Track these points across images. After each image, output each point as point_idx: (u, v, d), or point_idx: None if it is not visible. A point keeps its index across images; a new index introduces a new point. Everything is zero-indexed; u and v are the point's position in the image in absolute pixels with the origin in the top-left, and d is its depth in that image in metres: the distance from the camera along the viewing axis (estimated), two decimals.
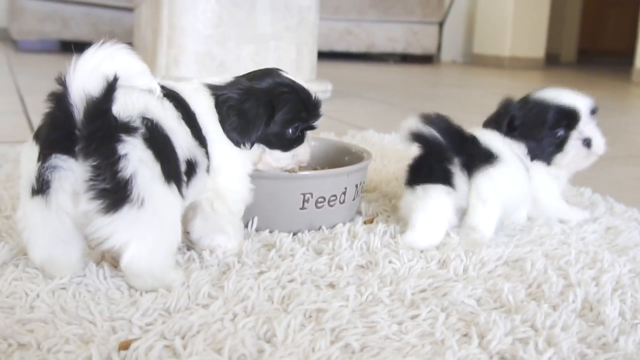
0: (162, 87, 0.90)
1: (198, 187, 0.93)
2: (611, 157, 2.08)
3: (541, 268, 1.00)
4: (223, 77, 1.06)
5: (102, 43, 0.77)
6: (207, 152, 0.95)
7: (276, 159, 1.07)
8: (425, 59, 6.10)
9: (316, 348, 0.74)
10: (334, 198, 1.14)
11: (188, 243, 1.03)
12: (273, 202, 1.10)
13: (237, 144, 0.99)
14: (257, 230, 1.11)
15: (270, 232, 1.11)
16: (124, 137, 0.76)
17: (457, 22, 6.48)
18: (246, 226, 1.10)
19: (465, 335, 0.79)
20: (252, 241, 1.06)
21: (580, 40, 7.35)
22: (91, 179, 0.75)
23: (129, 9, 3.64)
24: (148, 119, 0.81)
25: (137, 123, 0.79)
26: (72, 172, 0.76)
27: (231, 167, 0.99)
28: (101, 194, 0.76)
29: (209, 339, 0.73)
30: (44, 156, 0.76)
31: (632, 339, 0.80)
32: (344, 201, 1.16)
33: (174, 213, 0.84)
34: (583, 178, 1.62)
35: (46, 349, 0.69)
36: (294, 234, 1.11)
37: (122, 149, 0.76)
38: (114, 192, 0.76)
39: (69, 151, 0.76)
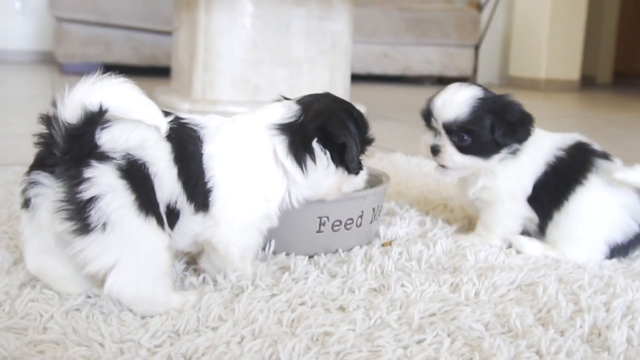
0: (180, 123, 0.91)
1: (188, 229, 0.93)
2: None
3: (553, 292, 0.98)
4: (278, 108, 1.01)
5: (98, 76, 0.81)
6: (207, 197, 0.92)
7: (352, 183, 1.06)
8: (461, 81, 6.04)
9: None
10: (351, 221, 1.14)
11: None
12: (290, 226, 1.10)
13: (353, 169, 1.01)
14: (274, 253, 1.12)
15: (287, 254, 1.11)
16: (94, 162, 0.79)
17: (493, 45, 6.43)
18: (263, 249, 1.11)
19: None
20: (268, 264, 1.06)
21: (615, 62, 7.19)
22: (60, 200, 0.79)
23: (169, 33, 3.73)
24: (132, 156, 0.82)
25: (116, 155, 0.81)
26: (51, 190, 0.79)
27: (233, 215, 0.94)
28: (69, 216, 0.78)
29: None
30: (28, 171, 0.81)
31: None
32: (360, 224, 1.15)
33: (153, 244, 0.84)
34: None
35: None
36: (311, 257, 1.11)
37: (87, 172, 0.78)
38: (75, 214, 0.78)
39: (50, 169, 0.79)
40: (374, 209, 1.18)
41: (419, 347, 0.80)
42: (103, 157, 0.80)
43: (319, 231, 1.11)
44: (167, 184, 0.86)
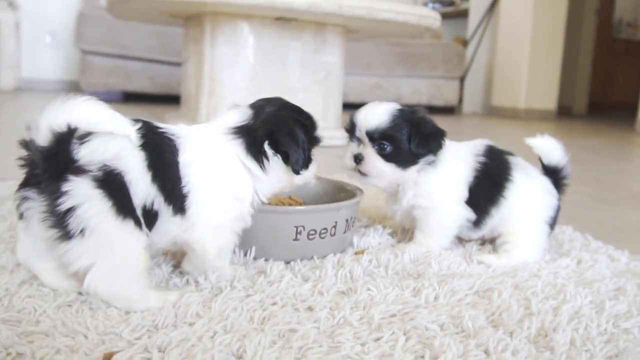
0: (157, 132, 0.92)
1: (168, 230, 0.93)
2: (602, 199, 2.02)
3: (506, 297, 0.97)
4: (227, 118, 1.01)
5: (67, 98, 0.82)
6: (184, 201, 0.92)
7: (304, 177, 1.06)
8: (448, 110, 6.07)
9: None
10: (325, 231, 1.14)
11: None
12: (269, 234, 1.11)
13: (297, 172, 1.01)
14: (255, 258, 1.12)
15: (266, 260, 1.11)
16: (71, 177, 0.81)
17: (477, 77, 6.46)
18: (245, 255, 1.11)
19: (421, 357, 0.77)
20: (247, 268, 1.06)
21: (591, 93, 7.21)
22: (44, 212, 0.81)
23: (181, 64, 3.77)
24: (108, 166, 0.83)
25: (92, 167, 0.82)
26: (38, 204, 0.82)
27: (211, 217, 0.94)
28: (52, 225, 0.81)
29: (184, 353, 0.73)
30: (18, 189, 0.84)
31: None
32: (334, 234, 1.16)
33: (129, 245, 0.85)
34: (570, 217, 1.58)
35: (39, 358, 0.71)
36: (287, 263, 1.11)
37: (65, 187, 0.80)
38: (57, 223, 0.81)
39: (36, 186, 0.82)
40: (347, 220, 1.18)
41: (376, 344, 0.80)
42: (79, 171, 0.82)
43: (295, 239, 1.11)
44: (141, 188, 0.87)
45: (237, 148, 0.98)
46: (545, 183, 1.25)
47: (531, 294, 1.00)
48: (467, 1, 6.52)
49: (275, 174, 1.02)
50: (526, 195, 1.22)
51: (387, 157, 1.19)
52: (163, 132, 0.93)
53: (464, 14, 6.64)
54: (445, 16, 6.98)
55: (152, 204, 0.89)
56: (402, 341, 0.80)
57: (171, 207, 0.91)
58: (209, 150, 0.96)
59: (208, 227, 0.94)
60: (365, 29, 3.14)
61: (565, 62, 6.18)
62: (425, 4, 6.84)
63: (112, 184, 0.83)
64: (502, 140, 1.40)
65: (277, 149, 1.00)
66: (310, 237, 1.12)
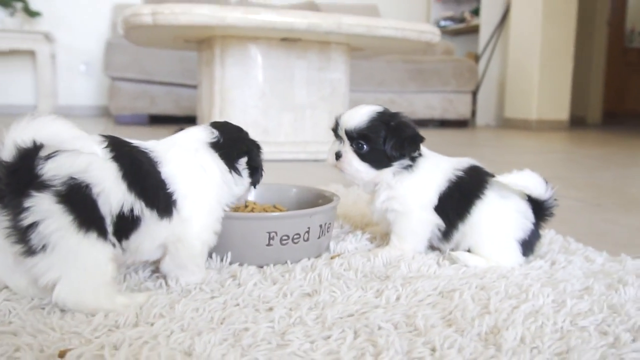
0: (132, 147, 0.95)
1: (155, 233, 0.95)
2: (596, 204, 1.97)
3: (467, 297, 0.95)
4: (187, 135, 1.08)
5: (34, 116, 0.82)
6: (172, 205, 0.96)
7: (250, 190, 1.19)
8: (461, 124, 6.02)
9: None
10: (298, 236, 1.14)
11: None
12: (243, 240, 1.11)
13: (255, 184, 1.15)
14: (230, 263, 1.12)
15: (240, 265, 1.12)
16: (33, 192, 0.81)
17: (490, 90, 6.40)
18: (222, 260, 1.12)
19: (363, 354, 0.76)
20: (221, 272, 1.07)
21: (605, 102, 7.05)
22: (7, 227, 0.81)
23: None
24: (74, 179, 0.83)
25: (56, 182, 0.82)
26: (2, 218, 0.82)
27: (199, 217, 1.00)
28: (16, 240, 0.81)
29: (135, 350, 0.74)
30: None
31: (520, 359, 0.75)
32: (308, 239, 1.15)
33: (93, 257, 0.85)
34: (559, 222, 1.55)
35: None
36: (261, 267, 1.11)
37: (26, 202, 0.80)
38: (20, 239, 0.81)
39: (1, 200, 0.81)
40: (321, 226, 1.18)
41: (324, 342, 0.79)
42: (41, 186, 0.82)
43: (268, 244, 1.12)
44: (115, 197, 0.88)
45: (216, 160, 1.06)
46: (521, 205, 1.19)
47: (494, 294, 0.97)
48: (478, 17, 6.49)
49: (240, 185, 1.11)
50: (494, 214, 1.18)
51: (363, 156, 1.20)
52: (136, 147, 0.97)
53: (475, 30, 6.60)
54: (456, 33, 6.97)
55: (131, 211, 0.90)
56: (350, 339, 0.79)
57: (155, 211, 0.93)
58: (193, 160, 1.02)
59: (198, 225, 0.99)
60: (367, 46, 3.15)
61: (578, 72, 6.07)
62: (437, 22, 6.83)
63: (75, 198, 0.83)
64: (515, 152, 1.38)
65: (249, 165, 1.12)
66: (284, 242, 1.13)
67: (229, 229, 1.09)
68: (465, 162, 1.25)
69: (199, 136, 1.07)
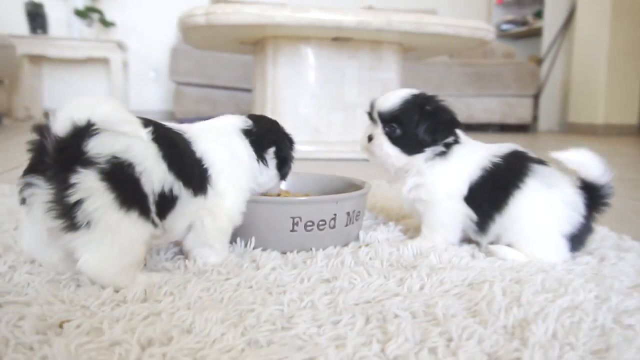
0: (167, 128, 0.93)
1: (187, 211, 0.92)
2: None
3: (497, 290, 0.86)
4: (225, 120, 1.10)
5: (90, 96, 0.81)
6: (207, 181, 0.95)
7: (279, 183, 1.19)
8: (522, 128, 5.75)
9: (224, 339, 0.68)
10: (323, 223, 1.08)
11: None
12: (267, 225, 1.06)
13: (284, 177, 1.15)
14: (254, 248, 1.08)
15: (264, 250, 1.07)
16: (79, 169, 0.78)
17: (553, 94, 6.08)
18: (245, 245, 1.08)
19: (371, 341, 0.69)
20: (242, 257, 1.02)
21: None
22: (50, 201, 0.78)
23: None
24: (117, 158, 0.81)
25: (100, 159, 0.79)
26: (43, 191, 0.78)
27: (231, 193, 0.98)
28: (59, 215, 0.78)
29: (134, 324, 0.70)
30: (23, 174, 0.80)
31: (548, 355, 0.65)
32: (334, 226, 1.09)
33: (131, 236, 0.82)
34: (615, 221, 1.40)
35: (4, 322, 0.70)
36: (284, 253, 1.06)
37: (73, 178, 0.77)
38: (64, 214, 0.78)
39: (42, 173, 0.78)
40: (348, 213, 1.11)
41: (332, 327, 0.73)
42: (87, 163, 0.79)
43: (292, 230, 1.06)
44: (157, 176, 0.85)
45: (246, 146, 1.06)
46: (569, 195, 1.06)
47: (528, 287, 0.87)
48: (541, 20, 6.19)
49: (265, 175, 1.10)
50: (536, 206, 1.05)
51: (395, 140, 1.13)
52: (171, 128, 0.95)
53: (537, 33, 6.30)
54: (518, 36, 6.68)
55: (172, 190, 0.88)
56: (360, 325, 0.72)
57: (191, 189, 0.92)
58: (226, 142, 1.03)
59: (229, 200, 0.98)
60: (419, 45, 3.05)
61: None
62: (499, 25, 6.57)
63: (118, 176, 0.81)
64: None
65: (278, 155, 1.11)
66: (308, 228, 1.07)
67: (253, 214, 1.04)
68: (505, 147, 1.13)
69: (233, 122, 1.09)
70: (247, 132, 1.07)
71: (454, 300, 0.82)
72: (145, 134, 0.86)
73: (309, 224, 1.06)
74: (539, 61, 6.13)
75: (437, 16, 2.55)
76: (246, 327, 0.71)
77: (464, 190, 1.10)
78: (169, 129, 0.94)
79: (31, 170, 0.80)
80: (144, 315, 0.73)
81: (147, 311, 0.75)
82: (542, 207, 1.06)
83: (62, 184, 0.77)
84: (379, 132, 1.14)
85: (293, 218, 1.06)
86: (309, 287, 0.87)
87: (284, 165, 1.13)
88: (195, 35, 2.88)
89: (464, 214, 1.11)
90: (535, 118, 5.85)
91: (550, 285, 0.89)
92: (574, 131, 5.77)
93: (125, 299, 0.80)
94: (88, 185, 0.78)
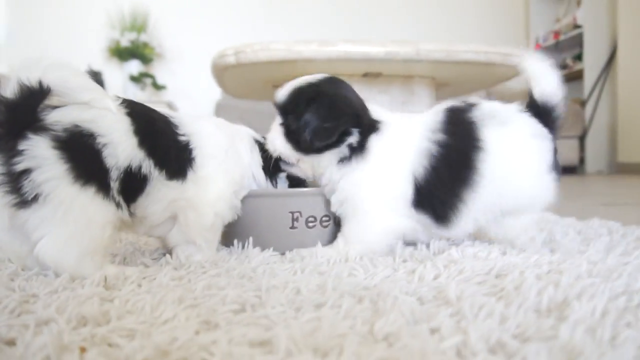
0: (149, 108, 0.83)
1: (162, 197, 0.80)
2: None
3: (531, 276, 0.67)
4: None
5: (41, 58, 0.70)
6: (186, 165, 0.82)
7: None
8: (569, 170, 5.41)
9: (176, 320, 0.53)
10: (327, 219, 0.92)
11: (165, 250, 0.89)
12: (264, 222, 0.92)
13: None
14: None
15: (262, 249, 0.91)
16: (30, 135, 0.67)
17: (599, 135, 5.73)
18: (243, 247, 0.93)
19: (354, 318, 0.52)
20: (237, 256, 0.87)
21: None
22: (0, 173, 0.67)
23: None
24: (78, 127, 0.70)
25: (57, 127, 0.69)
26: None
27: (218, 183, 0.85)
28: (8, 189, 0.67)
29: (69, 305, 0.57)
30: None
31: (597, 334, 0.46)
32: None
33: (87, 216, 0.70)
34: None
35: None
36: (283, 254, 0.90)
37: (21, 145, 0.67)
38: (12, 186, 0.66)
39: None
40: None
41: (313, 309, 0.56)
42: (40, 129, 0.69)
43: (292, 227, 0.91)
44: (124, 151, 0.74)
45: (255, 154, 0.96)
46: (530, 125, 0.85)
47: (569, 273, 0.68)
48: (581, 62, 5.97)
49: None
50: (510, 155, 0.83)
51: (287, 135, 0.87)
52: (154, 109, 0.85)
53: (578, 76, 6.06)
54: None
55: (140, 168, 0.76)
56: (347, 307, 0.56)
57: (164, 171, 0.79)
58: (231, 135, 0.93)
59: (214, 191, 0.85)
60: (451, 78, 2.92)
61: None
62: None
63: (75, 146, 0.70)
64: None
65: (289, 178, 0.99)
66: (310, 224, 0.92)
67: (248, 210, 0.91)
68: (439, 114, 0.86)
69: (252, 132, 1.01)
70: (261, 146, 0.96)
71: (473, 286, 0.64)
72: (113, 105, 0.75)
73: (310, 219, 0.91)
74: (582, 103, 5.85)
75: (467, 44, 2.43)
76: (207, 309, 0.56)
77: (406, 193, 0.83)
78: (150, 109, 0.84)
79: None
80: (90, 299, 0.59)
81: (98, 296, 0.61)
82: (518, 154, 0.83)
83: (9, 152, 0.67)
84: (274, 125, 0.91)
85: (292, 213, 0.91)
86: (302, 278, 0.71)
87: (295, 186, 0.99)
88: (228, 78, 2.87)
89: (404, 228, 0.85)
90: (582, 160, 5.51)
91: (599, 271, 0.69)
92: (624, 171, 5.38)
93: (84, 285, 0.67)
94: (37, 153, 0.67)
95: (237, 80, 2.93)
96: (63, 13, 5.34)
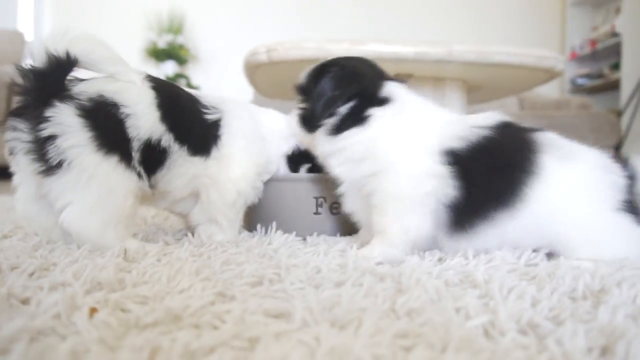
0: (175, 85, 0.82)
1: (184, 172, 0.79)
2: None
3: (567, 267, 0.63)
4: None
5: (67, 30, 0.70)
6: (210, 142, 0.81)
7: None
8: None
9: (192, 289, 0.51)
10: None
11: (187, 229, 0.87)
12: (287, 207, 0.90)
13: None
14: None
15: (284, 233, 0.89)
16: (56, 102, 0.67)
17: (636, 144, 5.54)
18: (266, 232, 0.91)
19: (375, 296, 0.49)
20: (259, 239, 0.85)
21: None
22: (27, 140, 0.67)
23: None
24: (102, 97, 0.70)
25: (82, 96, 0.69)
26: (24, 133, 0.68)
27: (242, 160, 0.84)
28: (36, 156, 0.67)
29: (85, 271, 0.55)
30: (7, 118, 0.70)
31: (638, 320, 0.42)
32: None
33: (110, 184, 0.69)
34: None
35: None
36: (304, 240, 0.88)
37: (48, 112, 0.67)
38: (39, 153, 0.67)
39: (22, 115, 0.68)
40: None
41: (333, 286, 0.54)
42: (65, 97, 0.69)
43: (316, 212, 0.89)
44: (146, 123, 0.73)
45: (280, 141, 0.93)
46: (594, 159, 0.74)
47: (608, 265, 0.63)
48: (618, 72, 5.78)
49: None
50: (564, 192, 0.70)
51: (303, 117, 0.82)
52: (180, 87, 0.84)
53: (615, 86, 5.88)
54: (595, 90, 6.27)
55: (159, 141, 0.75)
56: (368, 285, 0.53)
57: (185, 147, 0.79)
58: (261, 122, 0.92)
59: (238, 169, 0.83)
60: (482, 81, 2.85)
61: None
62: (574, 80, 6.22)
63: (99, 115, 0.70)
64: None
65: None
66: (334, 211, 0.89)
67: (272, 194, 0.89)
68: (487, 116, 0.77)
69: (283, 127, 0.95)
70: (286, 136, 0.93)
71: (503, 272, 0.60)
72: (137, 78, 0.75)
73: (335, 205, 0.89)
74: (619, 113, 5.67)
75: (500, 46, 2.37)
76: (224, 282, 0.54)
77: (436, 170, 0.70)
78: (176, 86, 0.83)
79: (14, 113, 0.70)
80: (107, 267, 0.58)
81: (116, 266, 0.60)
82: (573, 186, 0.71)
83: (37, 119, 0.67)
84: (294, 109, 0.87)
85: (317, 199, 0.89)
86: (325, 260, 0.68)
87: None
88: (259, 76, 2.87)
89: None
90: None
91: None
92: None
93: (104, 256, 0.66)
94: (63, 120, 0.67)
95: (269, 78, 2.93)
96: (103, 16, 5.48)
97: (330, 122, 0.75)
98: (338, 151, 0.75)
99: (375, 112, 0.74)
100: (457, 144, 0.71)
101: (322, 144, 0.76)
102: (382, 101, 0.75)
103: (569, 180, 0.71)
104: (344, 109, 0.74)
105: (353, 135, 0.73)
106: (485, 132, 0.72)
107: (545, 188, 0.70)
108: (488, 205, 0.70)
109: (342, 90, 0.73)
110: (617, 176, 0.72)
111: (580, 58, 6.36)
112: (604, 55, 6.23)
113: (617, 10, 5.76)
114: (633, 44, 5.70)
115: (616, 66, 5.88)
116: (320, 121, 0.76)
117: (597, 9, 6.20)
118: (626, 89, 5.68)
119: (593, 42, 5.92)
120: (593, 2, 6.00)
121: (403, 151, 0.71)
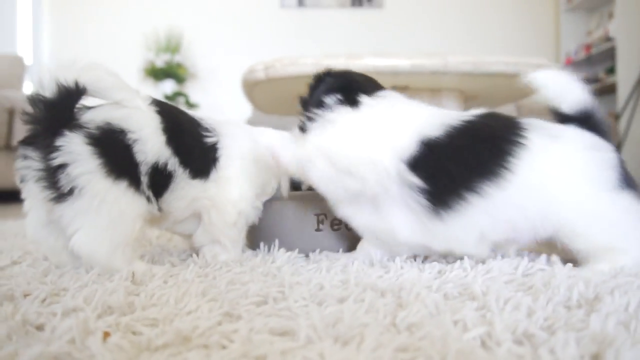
0: (179, 110, 0.85)
1: (186, 195, 0.81)
2: None
3: (560, 273, 0.65)
4: None
5: (76, 60, 0.73)
6: (209, 165, 0.84)
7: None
8: None
9: (199, 311, 0.53)
10: None
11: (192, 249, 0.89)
12: (289, 224, 0.92)
13: None
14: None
15: (287, 251, 0.91)
16: (66, 132, 0.70)
17: (635, 149, 5.56)
18: (269, 250, 0.93)
19: (377, 311, 0.51)
20: (262, 257, 0.87)
21: None
22: (38, 169, 0.70)
23: None
24: (109, 124, 0.73)
25: (90, 125, 0.72)
26: (34, 162, 0.71)
27: (241, 182, 0.86)
28: (47, 184, 0.70)
29: (96, 295, 0.57)
30: (18, 147, 0.73)
31: (630, 327, 0.44)
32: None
33: (119, 210, 0.72)
34: None
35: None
36: (307, 256, 0.90)
37: (58, 141, 0.69)
38: (50, 181, 0.69)
39: (33, 144, 0.71)
40: None
41: (336, 303, 0.56)
42: (75, 127, 0.72)
43: (317, 229, 0.91)
44: (152, 148, 0.76)
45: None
46: (581, 137, 0.73)
47: (604, 273, 0.65)
48: (614, 75, 5.82)
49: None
50: (554, 167, 0.71)
51: (300, 128, 0.84)
52: (182, 110, 0.87)
53: (611, 89, 5.92)
54: (591, 94, 6.30)
55: (166, 165, 0.78)
56: (369, 299, 0.55)
57: (188, 170, 0.81)
58: (257, 142, 0.92)
59: (236, 190, 0.85)
60: (479, 91, 2.88)
61: None
62: None
63: (107, 142, 0.72)
64: None
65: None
66: (335, 227, 0.91)
67: (274, 212, 0.91)
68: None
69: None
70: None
71: (501, 283, 0.62)
72: (143, 104, 0.78)
73: (336, 222, 0.91)
74: (616, 117, 5.70)
75: (495, 55, 2.40)
76: (230, 302, 0.56)
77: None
78: (177, 109, 0.86)
79: (24, 142, 0.73)
80: (116, 291, 0.60)
81: (125, 289, 0.62)
82: (564, 166, 0.71)
83: (47, 148, 0.70)
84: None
85: (317, 215, 0.91)
86: (327, 277, 0.69)
87: None
88: (258, 93, 2.90)
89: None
90: None
91: (638, 273, 0.66)
92: None
93: (112, 280, 0.68)
94: (73, 149, 0.69)
95: (267, 95, 2.97)
96: (102, 37, 5.54)
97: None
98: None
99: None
100: (437, 131, 0.73)
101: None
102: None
103: (558, 155, 0.72)
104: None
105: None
106: (470, 118, 0.75)
107: (533, 159, 0.70)
108: (473, 176, 0.70)
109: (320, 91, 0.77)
110: (603, 152, 0.73)
111: (576, 63, 6.41)
112: (599, 60, 6.28)
113: (610, 15, 5.82)
114: (627, 47, 5.75)
115: (611, 70, 5.93)
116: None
117: (591, 14, 6.27)
118: (622, 92, 5.71)
119: (588, 47, 5.98)
120: (586, 7, 6.06)
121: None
